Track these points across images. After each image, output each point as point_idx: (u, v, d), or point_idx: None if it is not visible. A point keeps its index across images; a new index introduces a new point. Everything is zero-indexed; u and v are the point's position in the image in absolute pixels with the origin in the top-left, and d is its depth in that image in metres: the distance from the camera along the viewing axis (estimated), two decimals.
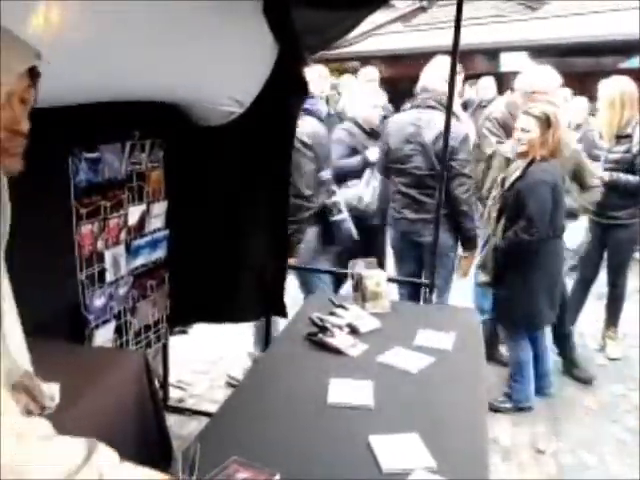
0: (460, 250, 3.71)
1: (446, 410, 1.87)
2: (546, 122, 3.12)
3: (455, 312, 2.81)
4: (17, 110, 1.06)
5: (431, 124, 3.45)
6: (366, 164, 4.02)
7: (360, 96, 4.30)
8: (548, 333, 3.68)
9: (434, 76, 3.54)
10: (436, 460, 1.57)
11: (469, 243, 3.64)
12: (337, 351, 2.24)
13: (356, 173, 4.03)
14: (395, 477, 1.50)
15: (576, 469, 2.97)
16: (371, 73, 5.85)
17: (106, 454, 0.88)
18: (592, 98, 4.88)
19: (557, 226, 3.22)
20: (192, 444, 1.15)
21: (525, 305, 3.28)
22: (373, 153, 3.98)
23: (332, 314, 2.51)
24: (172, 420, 2.98)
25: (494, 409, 3.36)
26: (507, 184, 3.29)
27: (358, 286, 2.67)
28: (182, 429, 3.05)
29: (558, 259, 3.36)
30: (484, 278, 3.50)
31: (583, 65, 8.11)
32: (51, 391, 1.33)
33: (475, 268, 3.71)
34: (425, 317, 2.62)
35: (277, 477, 1.49)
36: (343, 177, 3.97)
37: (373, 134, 4.10)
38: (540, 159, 3.15)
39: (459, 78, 3.54)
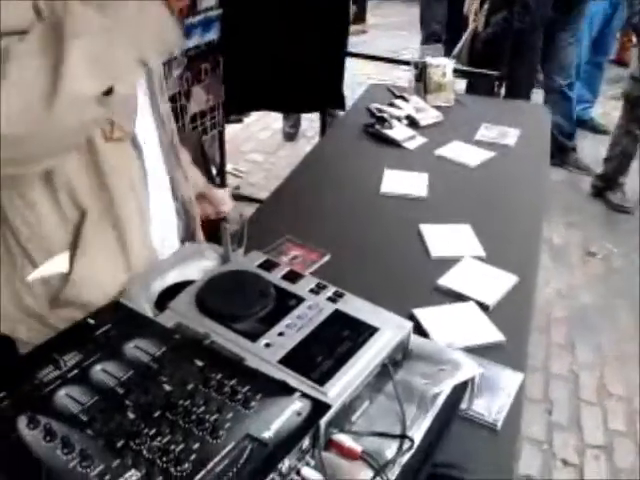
0: None
1: (501, 205, 1.83)
2: None
3: (524, 108, 2.64)
4: None
5: None
6: None
7: None
8: None
9: None
10: (486, 250, 1.57)
11: None
12: (394, 143, 2.17)
13: None
14: (443, 263, 1.52)
15: (625, 273, 2.98)
16: None
17: None
18: None
19: (544, 16, 2.94)
20: (241, 217, 1.16)
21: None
22: None
23: (391, 105, 2.40)
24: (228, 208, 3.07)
25: None
26: None
27: (421, 76, 2.51)
28: (238, 214, 3.16)
29: (537, 52, 3.26)
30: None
31: None
32: (224, 197, 1.46)
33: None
34: (490, 112, 2.46)
35: (327, 257, 1.53)
36: None
37: None
38: None
39: None
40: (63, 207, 0.94)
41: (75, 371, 0.81)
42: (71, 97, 0.73)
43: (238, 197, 3.44)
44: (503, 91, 3.12)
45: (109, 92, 0.77)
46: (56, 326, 0.97)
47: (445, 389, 0.90)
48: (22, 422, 0.72)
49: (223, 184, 3.42)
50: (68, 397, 0.77)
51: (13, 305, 0.98)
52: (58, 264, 0.96)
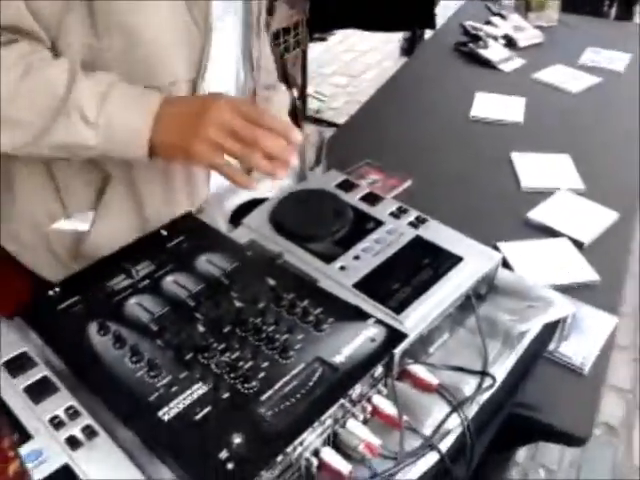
0: None
1: (605, 136, 1.67)
2: None
3: (636, 31, 2.37)
4: None
5: None
6: None
7: None
8: None
9: None
10: (585, 184, 1.44)
11: None
12: (488, 64, 2.02)
13: None
14: (535, 195, 1.41)
15: None
16: None
17: (86, 86, 0.77)
18: None
19: None
20: (320, 134, 1.10)
21: None
22: None
23: (488, 23, 2.22)
24: (309, 130, 3.01)
25: None
26: None
27: None
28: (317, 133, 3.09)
29: None
30: None
31: None
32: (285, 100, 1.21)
33: None
34: (598, 34, 2.23)
35: (408, 183, 1.46)
36: None
37: None
38: None
39: None
40: (88, 169, 0.90)
41: (147, 281, 0.80)
42: None
43: (318, 121, 3.36)
44: (614, 11, 2.82)
45: None
46: None
47: (534, 327, 0.83)
48: (93, 328, 0.72)
49: (304, 107, 3.34)
50: (139, 306, 0.76)
51: (42, 247, 0.97)
52: (79, 221, 0.94)
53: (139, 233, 0.93)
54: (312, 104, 3.50)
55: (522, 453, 1.85)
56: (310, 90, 3.49)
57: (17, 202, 0.94)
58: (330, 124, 3.31)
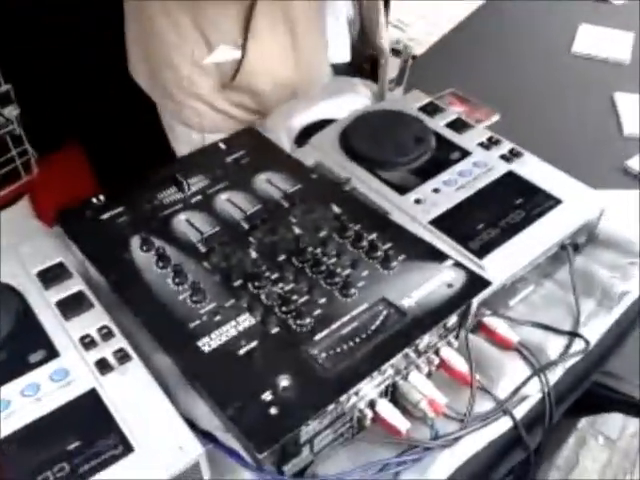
0: None
1: None
2: None
3: None
4: None
5: None
6: None
7: None
8: None
9: None
10: None
11: None
12: None
13: None
14: (636, 142, 1.24)
15: None
16: None
17: None
18: None
19: None
20: (405, 48, 0.97)
21: None
22: None
23: None
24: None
25: None
26: None
27: None
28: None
29: None
30: None
31: None
32: None
33: None
34: None
35: (496, 117, 1.31)
36: None
37: None
38: None
39: None
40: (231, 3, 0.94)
41: (199, 197, 0.72)
42: None
43: (394, 51, 3.16)
44: None
45: None
46: (225, 111, 1.03)
47: (636, 288, 0.71)
48: (136, 242, 0.65)
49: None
50: (187, 223, 0.68)
51: (181, 91, 1.02)
52: (231, 51, 0.98)
53: (292, 64, 1.01)
54: (392, 33, 3.29)
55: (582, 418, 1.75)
56: (391, 19, 3.28)
57: (163, 51, 1.00)
58: None
